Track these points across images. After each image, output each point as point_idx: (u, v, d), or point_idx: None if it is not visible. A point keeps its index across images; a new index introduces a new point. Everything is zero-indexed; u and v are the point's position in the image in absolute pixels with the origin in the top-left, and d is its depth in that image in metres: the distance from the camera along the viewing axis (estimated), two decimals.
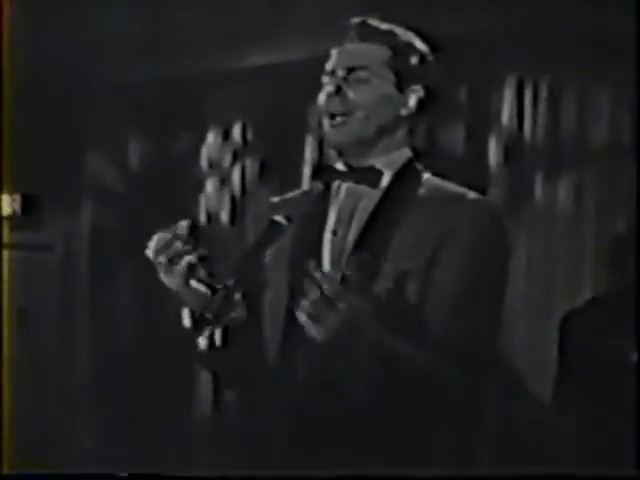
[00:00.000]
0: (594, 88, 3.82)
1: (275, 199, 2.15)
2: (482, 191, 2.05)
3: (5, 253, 3.61)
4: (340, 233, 2.05)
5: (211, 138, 4.64)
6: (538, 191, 3.93)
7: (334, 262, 2.04)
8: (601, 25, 3.46)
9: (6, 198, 4.12)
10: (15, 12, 3.43)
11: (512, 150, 3.94)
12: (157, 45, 4.43)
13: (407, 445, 1.90)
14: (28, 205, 4.22)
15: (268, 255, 2.08)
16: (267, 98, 4.28)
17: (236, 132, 4.51)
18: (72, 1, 4.13)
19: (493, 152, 3.94)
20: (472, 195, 2.05)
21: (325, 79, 2.10)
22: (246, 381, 2.10)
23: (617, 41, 3.36)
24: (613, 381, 2.98)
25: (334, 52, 2.12)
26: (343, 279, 1.92)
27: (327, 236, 2.06)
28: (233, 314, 2.03)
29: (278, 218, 2.07)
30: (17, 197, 4.18)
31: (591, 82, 3.82)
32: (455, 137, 3.99)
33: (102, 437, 4.39)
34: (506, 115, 3.94)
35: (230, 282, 2.03)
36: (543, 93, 3.92)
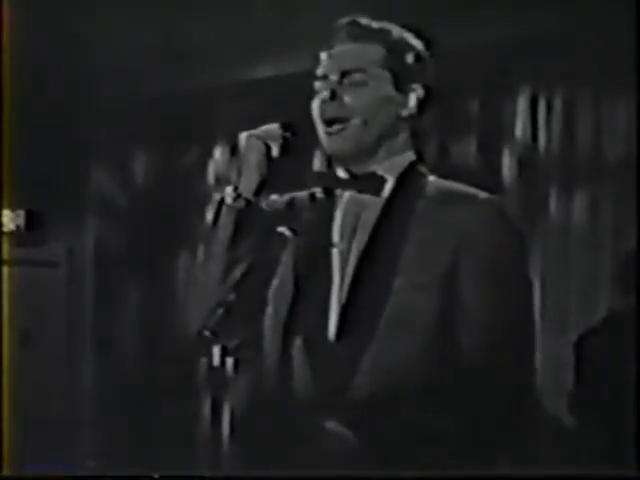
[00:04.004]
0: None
1: (274, 197, 2.05)
2: (492, 191, 1.94)
3: (10, 269, 3.55)
4: (343, 246, 1.96)
5: (218, 153, 4.59)
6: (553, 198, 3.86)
7: (341, 276, 1.96)
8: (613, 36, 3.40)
9: (9, 214, 4.08)
10: (18, 35, 3.41)
11: (523, 153, 3.87)
12: (162, 60, 4.39)
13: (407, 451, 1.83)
14: (32, 221, 4.18)
15: (271, 268, 2.00)
16: (272, 110, 4.22)
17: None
18: (76, 17, 4.11)
19: (500, 153, 3.86)
20: (484, 195, 1.94)
21: (317, 85, 1.99)
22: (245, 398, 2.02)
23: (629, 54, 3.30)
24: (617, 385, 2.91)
25: (324, 55, 1.99)
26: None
27: (333, 249, 1.97)
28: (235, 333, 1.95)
29: (282, 229, 1.99)
30: (21, 213, 4.13)
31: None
32: (460, 137, 3.89)
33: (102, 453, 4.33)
34: (515, 120, 3.86)
35: (231, 297, 1.94)
36: (548, 95, 3.85)
